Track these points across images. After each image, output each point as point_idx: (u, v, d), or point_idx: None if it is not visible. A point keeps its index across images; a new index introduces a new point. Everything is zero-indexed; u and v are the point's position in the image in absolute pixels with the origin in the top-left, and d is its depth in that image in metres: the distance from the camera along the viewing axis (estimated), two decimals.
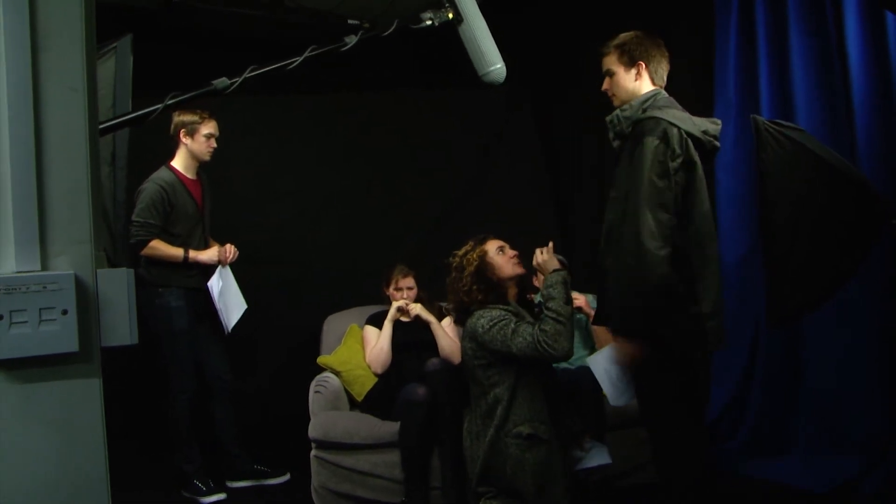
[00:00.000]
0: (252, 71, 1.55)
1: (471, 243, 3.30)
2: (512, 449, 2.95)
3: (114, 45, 2.82)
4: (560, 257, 4.12)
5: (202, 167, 3.86)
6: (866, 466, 3.37)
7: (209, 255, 3.74)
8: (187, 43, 4.73)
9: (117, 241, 2.76)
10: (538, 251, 3.11)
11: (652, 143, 2.41)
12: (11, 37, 1.17)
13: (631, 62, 2.66)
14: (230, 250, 3.82)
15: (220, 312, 3.75)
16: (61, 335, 1.20)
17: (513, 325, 2.96)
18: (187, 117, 3.68)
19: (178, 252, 3.65)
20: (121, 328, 1.27)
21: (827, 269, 2.66)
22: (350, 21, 1.88)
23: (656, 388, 2.58)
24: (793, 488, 3.49)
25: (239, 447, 3.95)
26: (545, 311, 2.92)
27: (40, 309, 1.18)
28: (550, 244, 3.13)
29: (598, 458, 3.21)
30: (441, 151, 5.38)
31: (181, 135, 3.71)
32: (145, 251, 3.59)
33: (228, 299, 3.80)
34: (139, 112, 1.49)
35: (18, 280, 1.17)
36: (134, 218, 3.56)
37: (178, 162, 3.76)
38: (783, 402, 3.86)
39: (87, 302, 1.24)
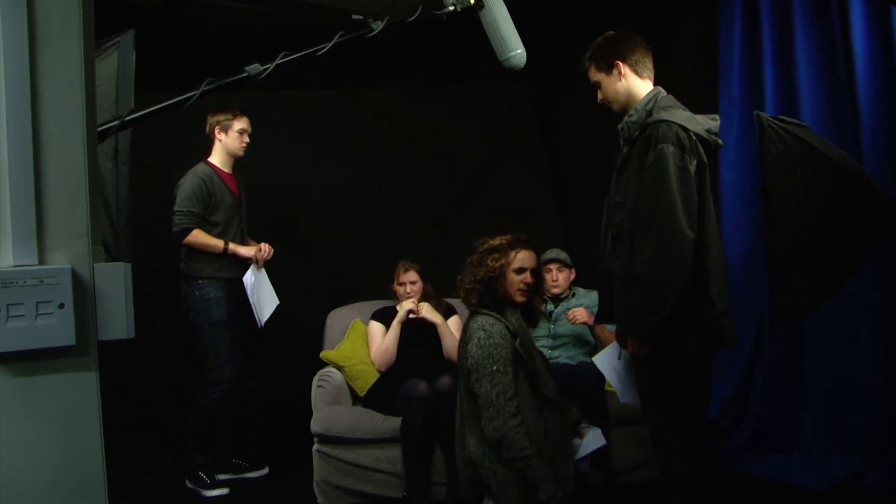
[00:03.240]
0: (284, 57, 1.56)
1: (506, 239, 3.09)
2: (496, 466, 2.84)
3: (116, 39, 2.83)
4: (564, 256, 4.12)
5: (236, 166, 3.98)
6: (869, 463, 3.37)
7: (247, 250, 3.85)
8: (189, 39, 4.74)
9: (119, 235, 2.77)
10: None
11: (669, 149, 2.39)
12: (9, 31, 1.17)
13: (608, 66, 2.66)
14: (265, 248, 3.89)
15: (253, 307, 3.84)
16: (58, 329, 1.21)
17: (502, 380, 2.84)
18: (221, 116, 3.88)
19: (218, 243, 3.75)
20: (118, 322, 1.28)
21: (830, 265, 2.65)
22: (354, 16, 1.88)
23: (659, 384, 2.58)
24: (795, 486, 3.49)
25: (225, 441, 3.97)
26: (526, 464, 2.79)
27: (37, 303, 1.18)
28: None
29: (594, 442, 3.19)
30: (446, 148, 5.39)
31: (216, 131, 3.89)
32: (188, 239, 3.70)
33: (262, 294, 3.89)
34: (176, 99, 1.50)
35: (15, 274, 1.18)
36: (176, 208, 3.71)
37: (215, 158, 3.92)
38: (786, 399, 3.85)
39: (84, 296, 1.24)
